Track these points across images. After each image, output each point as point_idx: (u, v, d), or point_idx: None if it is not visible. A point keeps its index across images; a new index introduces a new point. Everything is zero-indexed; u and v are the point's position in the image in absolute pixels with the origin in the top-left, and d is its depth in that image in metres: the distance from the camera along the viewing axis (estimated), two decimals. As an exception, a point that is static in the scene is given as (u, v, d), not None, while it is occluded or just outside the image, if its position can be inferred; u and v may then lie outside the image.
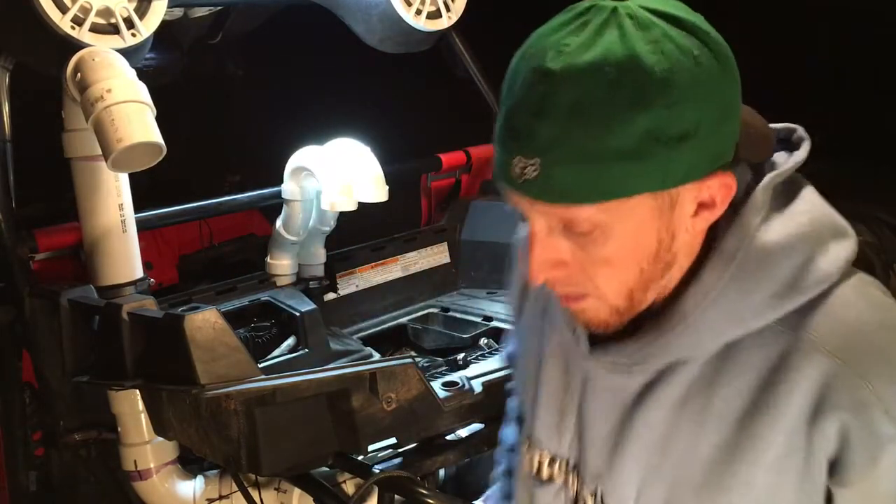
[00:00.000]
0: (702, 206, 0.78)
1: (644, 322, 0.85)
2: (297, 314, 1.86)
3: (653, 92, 0.71)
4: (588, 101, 0.72)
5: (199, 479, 1.77)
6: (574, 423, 0.94)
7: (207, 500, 1.75)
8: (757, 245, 0.80)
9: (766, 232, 0.80)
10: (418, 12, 2.21)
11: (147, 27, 1.70)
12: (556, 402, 0.96)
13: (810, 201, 0.83)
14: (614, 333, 0.86)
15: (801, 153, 0.85)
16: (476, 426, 1.61)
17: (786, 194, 0.83)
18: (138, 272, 1.76)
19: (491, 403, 1.55)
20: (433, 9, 2.26)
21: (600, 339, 0.88)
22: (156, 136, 1.51)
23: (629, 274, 0.80)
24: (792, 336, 0.79)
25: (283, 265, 2.09)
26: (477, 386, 1.55)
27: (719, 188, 0.77)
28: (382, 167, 1.96)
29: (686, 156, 0.73)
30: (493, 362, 1.92)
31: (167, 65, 2.75)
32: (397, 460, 1.51)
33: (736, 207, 0.81)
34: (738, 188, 0.80)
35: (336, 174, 1.91)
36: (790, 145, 0.87)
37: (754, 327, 0.80)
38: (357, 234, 2.29)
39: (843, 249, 0.81)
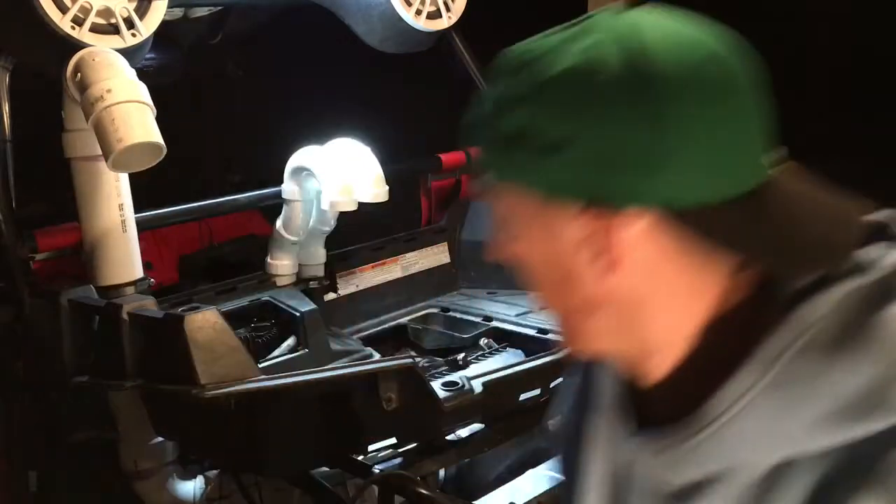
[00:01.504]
0: (596, 252, 0.67)
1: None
2: (297, 314, 1.86)
3: (543, 88, 0.66)
4: (502, 87, 0.71)
5: (199, 479, 1.77)
6: None
7: (207, 500, 1.75)
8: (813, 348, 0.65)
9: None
10: (418, 12, 2.21)
11: (147, 27, 1.70)
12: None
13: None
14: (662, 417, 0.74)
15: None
16: (476, 426, 1.61)
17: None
18: (138, 272, 1.76)
19: (491, 403, 1.55)
20: (433, 9, 2.26)
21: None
22: (156, 136, 1.51)
23: (539, 279, 0.73)
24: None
25: (283, 265, 2.09)
26: (477, 386, 1.55)
27: (608, 229, 0.65)
28: (382, 167, 1.96)
29: (556, 170, 0.65)
30: (493, 362, 1.93)
31: (167, 65, 2.75)
32: (397, 460, 1.51)
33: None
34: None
35: (336, 174, 1.91)
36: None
37: (810, 448, 0.66)
38: (357, 234, 2.29)
39: None
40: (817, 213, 0.68)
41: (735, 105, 0.66)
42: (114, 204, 1.72)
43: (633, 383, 0.77)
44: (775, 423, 0.66)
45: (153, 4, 1.71)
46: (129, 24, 1.68)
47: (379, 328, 2.23)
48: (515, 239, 0.74)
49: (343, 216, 2.01)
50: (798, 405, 0.65)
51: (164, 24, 1.75)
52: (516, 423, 1.66)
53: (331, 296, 2.18)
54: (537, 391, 1.60)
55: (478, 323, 2.17)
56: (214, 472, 1.78)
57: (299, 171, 1.97)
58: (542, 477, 1.77)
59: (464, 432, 1.62)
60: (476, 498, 1.72)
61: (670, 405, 0.73)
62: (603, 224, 0.65)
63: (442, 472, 1.89)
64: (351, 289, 2.25)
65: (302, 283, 2.11)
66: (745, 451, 0.68)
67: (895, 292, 0.66)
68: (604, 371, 0.83)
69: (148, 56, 1.82)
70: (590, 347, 0.75)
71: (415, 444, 1.52)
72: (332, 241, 2.14)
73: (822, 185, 0.70)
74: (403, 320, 2.27)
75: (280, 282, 2.09)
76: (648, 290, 0.69)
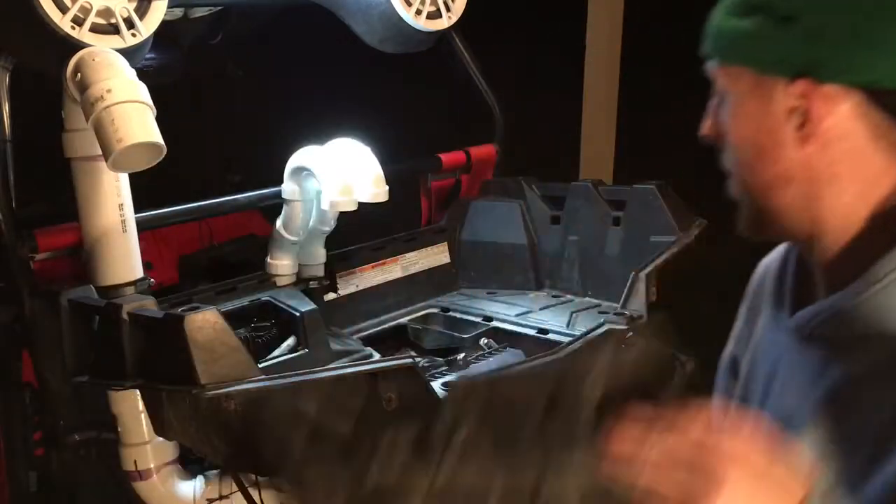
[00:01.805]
0: (802, 121, 0.76)
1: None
2: (298, 314, 1.86)
3: None
4: None
5: (199, 479, 1.77)
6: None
7: (207, 500, 1.75)
8: None
9: None
10: (418, 12, 2.21)
11: (147, 27, 1.70)
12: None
13: None
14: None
15: None
16: (476, 426, 1.61)
17: None
18: (138, 272, 1.76)
19: (491, 403, 1.55)
20: (433, 9, 2.26)
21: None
22: (156, 136, 1.51)
23: (740, 156, 0.83)
24: None
25: (283, 265, 2.09)
26: (477, 386, 1.54)
27: (816, 100, 0.73)
28: (382, 167, 1.96)
29: (783, 41, 0.74)
30: (493, 362, 1.92)
31: (167, 65, 2.75)
32: (397, 460, 1.50)
33: None
34: None
35: (336, 174, 1.91)
36: None
37: None
38: (357, 234, 2.29)
39: None
40: None
41: None
42: (114, 204, 1.71)
43: (795, 275, 0.87)
44: None
45: (153, 4, 1.71)
46: (129, 24, 1.68)
47: (379, 328, 2.23)
48: (731, 116, 0.83)
49: (343, 216, 2.01)
50: None
51: (164, 24, 1.75)
52: (516, 423, 1.65)
53: (331, 296, 2.18)
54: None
55: (478, 323, 2.17)
56: (214, 472, 1.78)
57: (299, 171, 1.97)
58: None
59: (464, 432, 1.61)
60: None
61: (829, 286, 0.81)
62: (812, 96, 0.74)
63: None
64: (351, 289, 2.25)
65: (302, 283, 2.11)
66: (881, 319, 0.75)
67: None
68: (766, 280, 0.96)
69: (148, 56, 1.82)
70: (770, 227, 0.84)
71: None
72: (332, 241, 2.14)
73: None
74: (403, 320, 2.27)
75: (280, 282, 2.09)
76: (840, 167, 0.77)
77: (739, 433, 0.69)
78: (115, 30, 1.67)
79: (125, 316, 1.48)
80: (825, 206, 0.79)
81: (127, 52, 1.65)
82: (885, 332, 0.76)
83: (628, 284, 1.94)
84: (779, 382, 0.91)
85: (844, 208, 0.79)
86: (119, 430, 1.73)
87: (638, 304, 1.90)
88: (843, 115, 0.75)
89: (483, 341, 2.08)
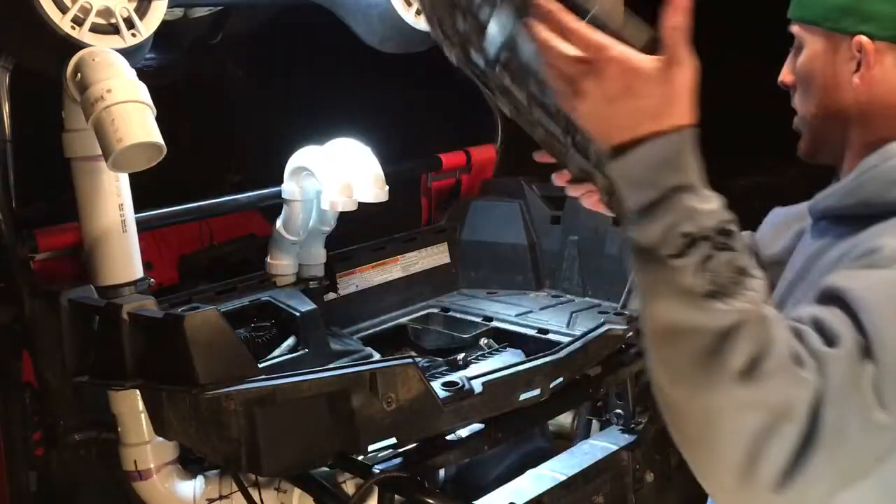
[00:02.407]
0: (857, 67, 1.02)
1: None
2: (297, 314, 1.86)
3: None
4: None
5: (199, 479, 1.77)
6: None
7: (207, 500, 1.75)
8: None
9: None
10: (418, 12, 2.21)
11: (147, 27, 1.70)
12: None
13: None
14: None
15: None
16: (476, 426, 1.61)
17: None
18: (138, 272, 1.76)
19: (491, 403, 1.55)
20: (433, 9, 2.25)
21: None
22: (156, 136, 1.51)
23: (809, 96, 1.09)
24: None
25: (283, 265, 2.09)
26: (477, 386, 1.54)
27: (868, 50, 1.01)
28: (382, 167, 1.96)
29: (847, 7, 1.01)
30: (493, 362, 1.92)
31: (167, 65, 2.75)
32: (397, 460, 1.51)
33: None
34: None
35: (336, 174, 1.91)
36: None
37: None
38: (357, 234, 2.29)
39: None
40: None
41: None
42: (114, 204, 1.72)
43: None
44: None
45: (153, 4, 1.71)
46: (129, 24, 1.68)
47: (379, 328, 2.23)
48: (807, 61, 1.08)
49: (343, 216, 2.01)
50: None
51: (164, 24, 1.75)
52: (516, 423, 1.65)
53: (331, 296, 2.18)
54: (537, 391, 1.60)
55: (478, 323, 2.17)
56: (214, 472, 1.78)
57: (299, 171, 1.97)
58: (542, 477, 1.77)
59: (464, 432, 1.62)
60: (476, 498, 1.72)
61: None
62: (866, 49, 1.01)
63: (442, 472, 1.89)
64: (351, 289, 2.25)
65: (302, 283, 2.11)
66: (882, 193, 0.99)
67: None
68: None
69: (148, 56, 1.82)
70: (822, 149, 1.10)
71: (415, 444, 1.52)
72: (332, 241, 2.14)
73: None
74: (403, 320, 2.27)
75: (280, 282, 2.09)
76: (878, 105, 1.02)
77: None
78: (115, 30, 1.67)
79: (125, 316, 1.48)
80: (864, 132, 1.04)
81: (127, 52, 1.65)
82: (885, 197, 0.98)
83: (628, 284, 1.94)
84: (789, 264, 1.16)
85: (876, 135, 1.03)
86: (119, 430, 1.73)
87: (638, 304, 1.90)
88: (887, 65, 1.01)
89: (483, 341, 2.08)
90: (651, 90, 0.87)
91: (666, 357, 0.86)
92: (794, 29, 1.10)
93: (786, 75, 1.13)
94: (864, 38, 1.01)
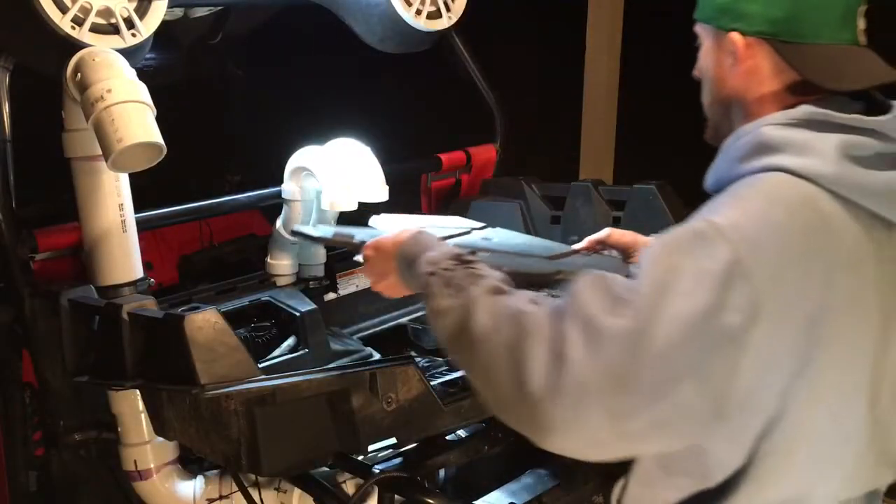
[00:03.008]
0: (733, 60, 1.13)
1: None
2: (297, 314, 1.86)
3: None
4: None
5: (199, 479, 1.77)
6: None
7: (207, 500, 1.75)
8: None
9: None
10: (418, 12, 2.21)
11: (147, 27, 1.70)
12: None
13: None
14: None
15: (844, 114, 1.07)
16: (476, 426, 1.61)
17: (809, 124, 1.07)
18: (138, 272, 1.76)
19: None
20: (433, 9, 2.26)
21: None
22: (156, 136, 1.51)
23: (706, 87, 1.21)
24: None
25: (283, 265, 2.09)
26: (477, 386, 1.54)
27: (738, 45, 1.12)
28: (382, 167, 1.96)
29: (723, 6, 1.13)
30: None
31: (167, 65, 2.76)
32: (397, 460, 1.51)
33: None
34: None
35: (336, 174, 1.91)
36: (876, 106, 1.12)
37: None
38: (357, 234, 2.29)
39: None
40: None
41: None
42: (114, 204, 1.72)
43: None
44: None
45: (153, 4, 1.71)
46: (129, 24, 1.68)
47: (379, 328, 2.23)
48: (703, 57, 1.21)
49: (343, 216, 2.01)
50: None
51: (164, 24, 1.75)
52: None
53: (331, 296, 2.18)
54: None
55: (478, 323, 2.17)
56: (214, 472, 1.78)
57: (299, 171, 1.97)
58: (542, 477, 1.77)
59: (464, 432, 1.62)
60: (476, 498, 1.72)
61: None
62: (739, 44, 1.12)
63: (442, 472, 1.89)
64: (351, 289, 2.25)
65: (302, 283, 2.11)
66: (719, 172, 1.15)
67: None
68: None
69: (148, 56, 1.82)
70: (722, 133, 1.17)
71: (415, 444, 1.52)
72: (331, 241, 2.14)
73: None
74: (403, 320, 2.27)
75: (280, 282, 2.09)
76: (751, 91, 1.13)
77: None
78: (115, 30, 1.67)
79: (125, 316, 1.48)
80: (743, 118, 1.14)
81: (127, 52, 1.65)
82: (730, 174, 1.09)
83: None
84: None
85: (751, 121, 1.12)
86: (119, 430, 1.73)
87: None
88: (758, 58, 1.12)
89: (483, 341, 2.07)
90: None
91: (441, 335, 1.12)
92: (696, 27, 1.23)
93: (697, 69, 1.25)
94: (736, 35, 1.13)
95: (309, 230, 1.75)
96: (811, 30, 1.10)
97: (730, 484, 1.04)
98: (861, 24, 1.13)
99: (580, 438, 0.98)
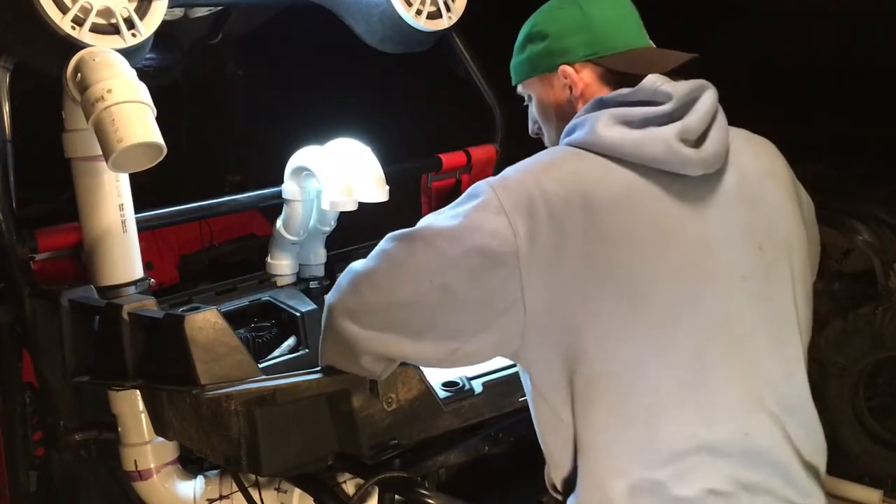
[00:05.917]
0: (570, 89, 1.32)
1: None
2: (298, 314, 1.86)
3: (531, 22, 1.39)
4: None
5: (199, 479, 1.77)
6: None
7: (207, 500, 1.75)
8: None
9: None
10: (418, 12, 2.21)
11: (147, 27, 1.70)
12: None
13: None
14: None
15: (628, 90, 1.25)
16: (476, 426, 1.61)
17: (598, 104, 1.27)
18: (138, 272, 1.76)
19: (491, 403, 1.55)
20: (433, 9, 2.26)
21: None
22: (156, 136, 1.51)
23: (551, 129, 1.38)
24: None
25: (283, 265, 2.09)
26: (477, 386, 1.55)
27: (570, 74, 1.31)
28: (382, 167, 1.96)
29: (545, 52, 1.34)
30: (493, 362, 1.92)
31: (167, 65, 2.75)
32: (397, 460, 1.51)
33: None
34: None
35: (336, 174, 1.91)
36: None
37: None
38: (357, 234, 2.29)
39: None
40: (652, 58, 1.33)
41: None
42: (114, 204, 1.72)
43: None
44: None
45: (153, 4, 1.71)
46: (130, 24, 1.68)
47: (379, 328, 2.22)
48: (538, 107, 1.40)
49: (343, 216, 2.01)
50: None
51: (164, 24, 1.76)
52: (516, 423, 1.65)
53: (331, 296, 2.18)
54: (537, 391, 1.59)
55: (478, 323, 2.16)
56: (214, 472, 1.78)
57: (299, 171, 1.97)
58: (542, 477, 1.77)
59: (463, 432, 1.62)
60: (476, 498, 1.72)
61: None
62: (569, 74, 1.32)
63: (442, 473, 1.89)
64: (351, 289, 2.24)
65: (302, 283, 2.11)
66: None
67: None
68: None
69: (148, 56, 1.82)
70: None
71: (415, 444, 1.52)
72: (332, 241, 2.14)
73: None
74: (403, 320, 2.26)
75: (280, 282, 2.09)
76: (587, 101, 1.28)
77: None
78: (115, 30, 1.67)
79: (125, 316, 1.48)
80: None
81: (127, 52, 1.65)
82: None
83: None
84: None
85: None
86: (119, 430, 1.73)
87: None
88: (586, 76, 1.32)
89: (483, 341, 2.07)
90: None
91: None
92: (519, 90, 1.43)
93: (531, 129, 1.45)
94: (566, 67, 1.32)
95: None
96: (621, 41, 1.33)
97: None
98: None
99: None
